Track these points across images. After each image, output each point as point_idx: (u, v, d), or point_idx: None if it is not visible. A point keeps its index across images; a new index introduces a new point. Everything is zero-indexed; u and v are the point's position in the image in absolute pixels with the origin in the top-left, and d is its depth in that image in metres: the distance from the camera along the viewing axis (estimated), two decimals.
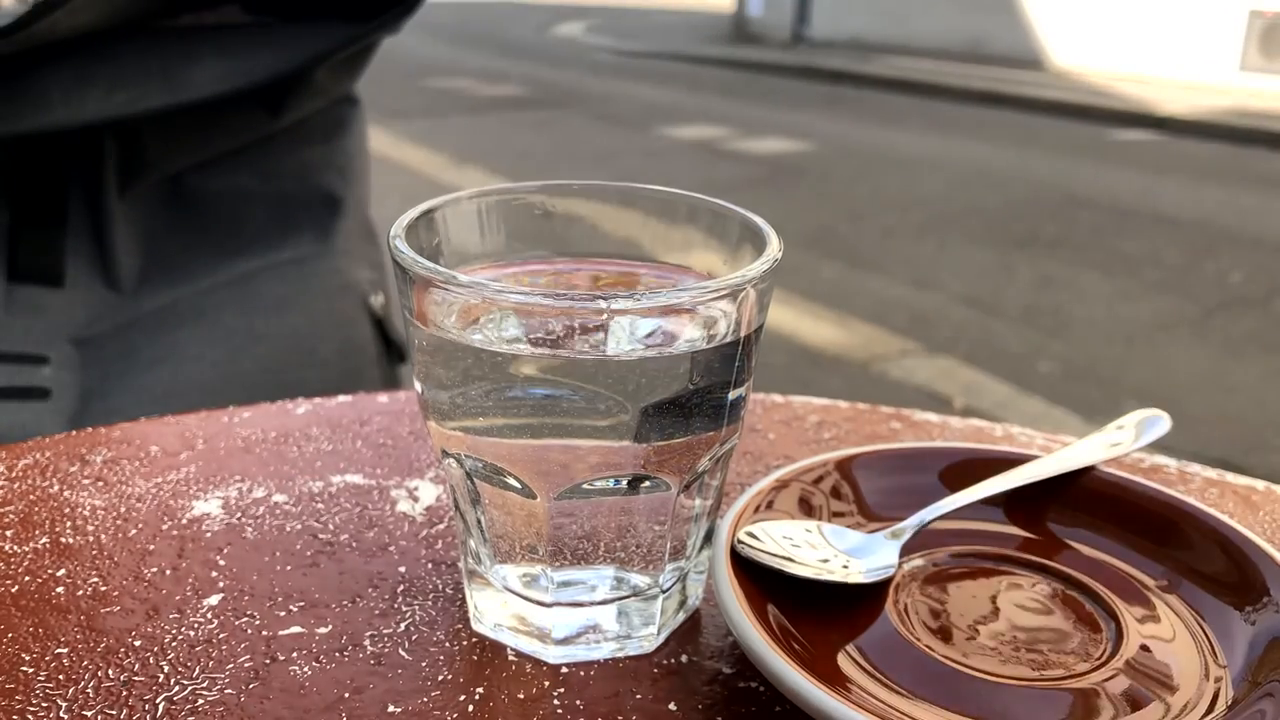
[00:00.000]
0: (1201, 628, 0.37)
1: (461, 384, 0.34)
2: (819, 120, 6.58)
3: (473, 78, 8.29)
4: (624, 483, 0.35)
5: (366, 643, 0.38)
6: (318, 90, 0.92)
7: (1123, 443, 0.46)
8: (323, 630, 0.38)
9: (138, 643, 0.37)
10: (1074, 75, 8.56)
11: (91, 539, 0.44)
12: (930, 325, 3.02)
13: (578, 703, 0.35)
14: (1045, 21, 9.31)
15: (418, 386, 0.37)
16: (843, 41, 10.74)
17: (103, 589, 0.40)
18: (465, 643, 0.38)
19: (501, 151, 5.45)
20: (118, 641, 0.37)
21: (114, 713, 0.34)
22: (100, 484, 0.48)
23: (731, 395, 0.36)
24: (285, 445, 0.52)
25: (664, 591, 0.38)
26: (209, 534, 0.45)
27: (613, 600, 0.37)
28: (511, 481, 0.35)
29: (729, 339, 0.35)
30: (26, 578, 0.41)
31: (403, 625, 0.39)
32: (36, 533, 0.44)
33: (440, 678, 0.36)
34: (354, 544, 0.44)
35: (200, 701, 0.35)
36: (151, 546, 0.43)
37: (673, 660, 0.38)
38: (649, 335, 0.34)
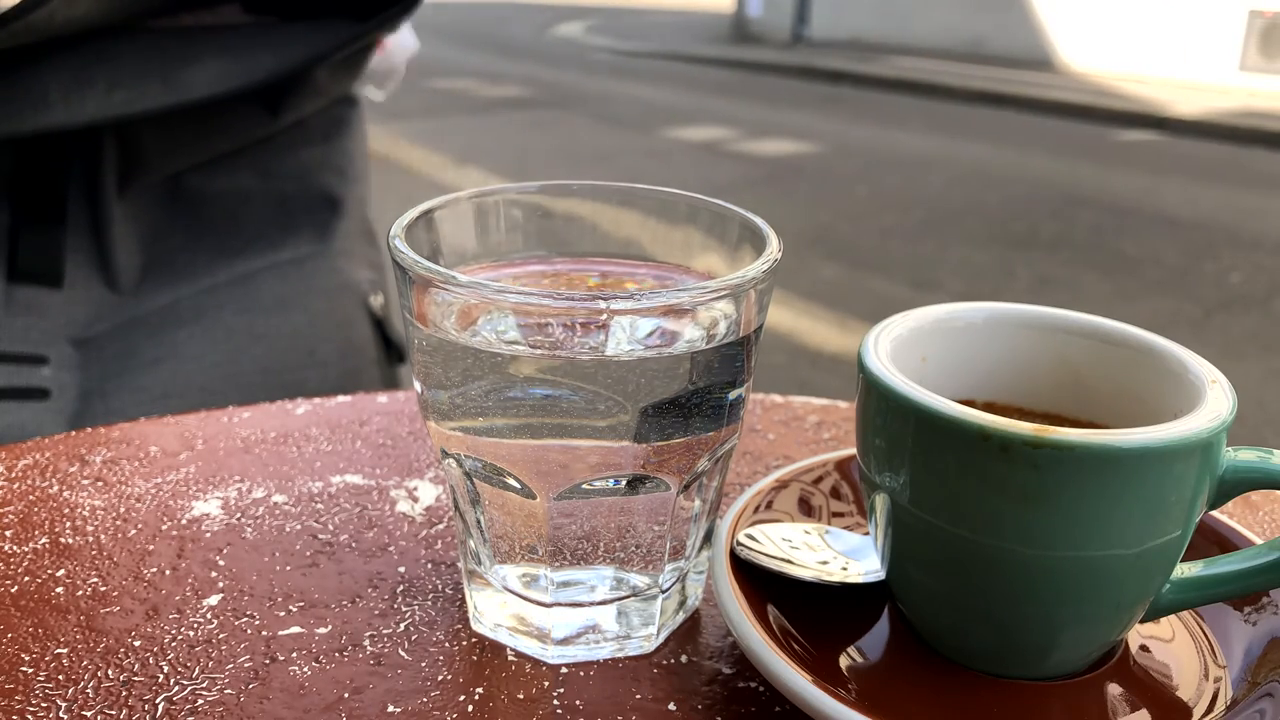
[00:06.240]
0: (1201, 628, 0.37)
1: (461, 384, 0.34)
2: (819, 120, 6.58)
3: (473, 78, 8.29)
4: (623, 483, 0.35)
5: (366, 643, 0.38)
6: (317, 90, 0.92)
7: None
8: (322, 630, 0.38)
9: (137, 643, 0.37)
10: (1074, 75, 8.56)
11: (91, 539, 0.44)
12: None
13: (578, 703, 0.35)
14: (1045, 22, 9.31)
15: (417, 386, 0.37)
16: (842, 41, 10.74)
17: (102, 589, 0.40)
18: (465, 643, 0.38)
19: (501, 151, 5.45)
20: (117, 642, 0.37)
21: (114, 713, 0.34)
22: (100, 484, 0.48)
23: (731, 395, 0.36)
24: (285, 446, 0.52)
25: (663, 592, 0.38)
26: (208, 534, 0.45)
27: (612, 600, 0.37)
28: (511, 482, 0.35)
29: (728, 339, 0.35)
30: (26, 578, 0.41)
31: (402, 625, 0.39)
32: (36, 533, 0.44)
33: (440, 678, 0.36)
34: (353, 544, 0.44)
35: (200, 701, 0.35)
36: (151, 547, 0.43)
37: (672, 660, 0.38)
38: (649, 335, 0.34)
